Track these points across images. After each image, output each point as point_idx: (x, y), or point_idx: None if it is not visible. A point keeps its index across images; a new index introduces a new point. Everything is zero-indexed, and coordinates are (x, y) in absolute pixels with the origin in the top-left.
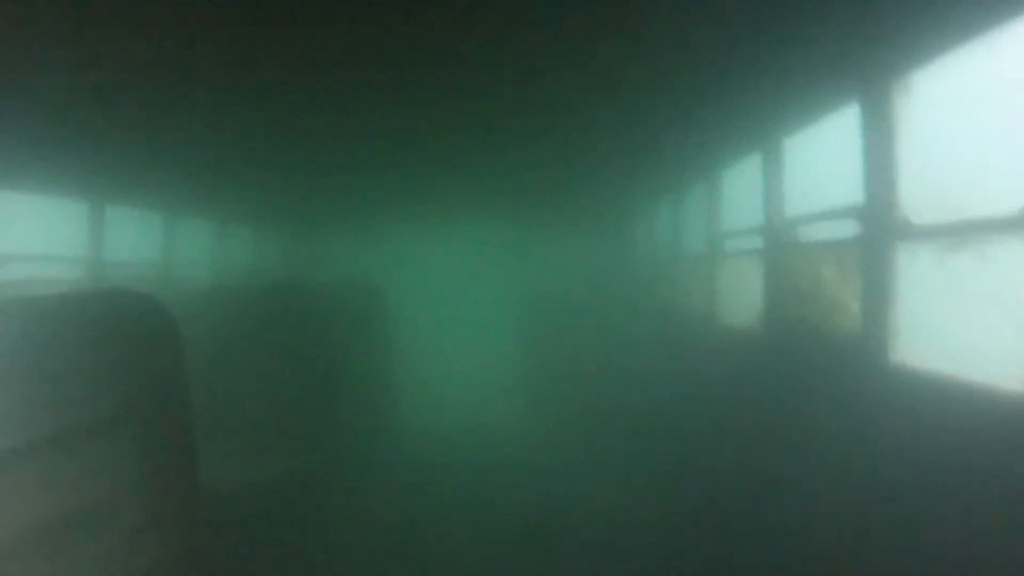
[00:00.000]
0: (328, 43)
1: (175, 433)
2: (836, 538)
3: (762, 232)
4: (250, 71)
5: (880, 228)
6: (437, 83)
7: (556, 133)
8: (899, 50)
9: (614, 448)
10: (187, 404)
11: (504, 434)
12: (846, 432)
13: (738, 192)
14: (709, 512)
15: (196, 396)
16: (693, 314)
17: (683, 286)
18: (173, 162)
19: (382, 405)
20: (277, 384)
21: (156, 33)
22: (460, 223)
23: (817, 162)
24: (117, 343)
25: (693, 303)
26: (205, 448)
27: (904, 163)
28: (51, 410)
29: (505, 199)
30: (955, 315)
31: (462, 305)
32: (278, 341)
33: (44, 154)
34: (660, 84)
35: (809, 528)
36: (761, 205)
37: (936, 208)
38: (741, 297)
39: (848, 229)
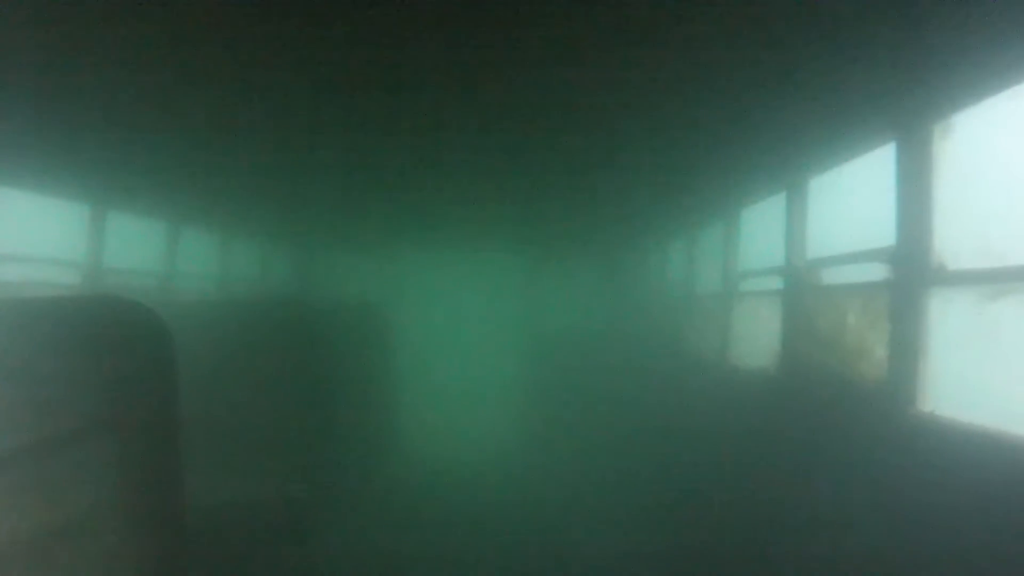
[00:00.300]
0: (346, 57)
1: (161, 446)
2: None
3: (787, 273)
4: (265, 82)
5: (914, 273)
6: (459, 107)
7: (576, 163)
8: (939, 89)
9: (622, 489)
10: (175, 416)
11: (508, 465)
12: (871, 488)
13: (764, 231)
14: (720, 563)
15: (190, 410)
16: (709, 356)
17: (702, 326)
18: (180, 171)
19: (384, 430)
20: (275, 402)
21: (168, 39)
22: (473, 250)
23: (849, 202)
24: (103, 349)
25: (710, 344)
26: (196, 465)
27: (942, 206)
28: (31, 416)
29: (520, 228)
30: (993, 366)
31: (470, 333)
32: (278, 358)
33: (49, 156)
34: (687, 116)
35: None
36: (787, 245)
37: (976, 253)
38: (760, 340)
39: (880, 272)
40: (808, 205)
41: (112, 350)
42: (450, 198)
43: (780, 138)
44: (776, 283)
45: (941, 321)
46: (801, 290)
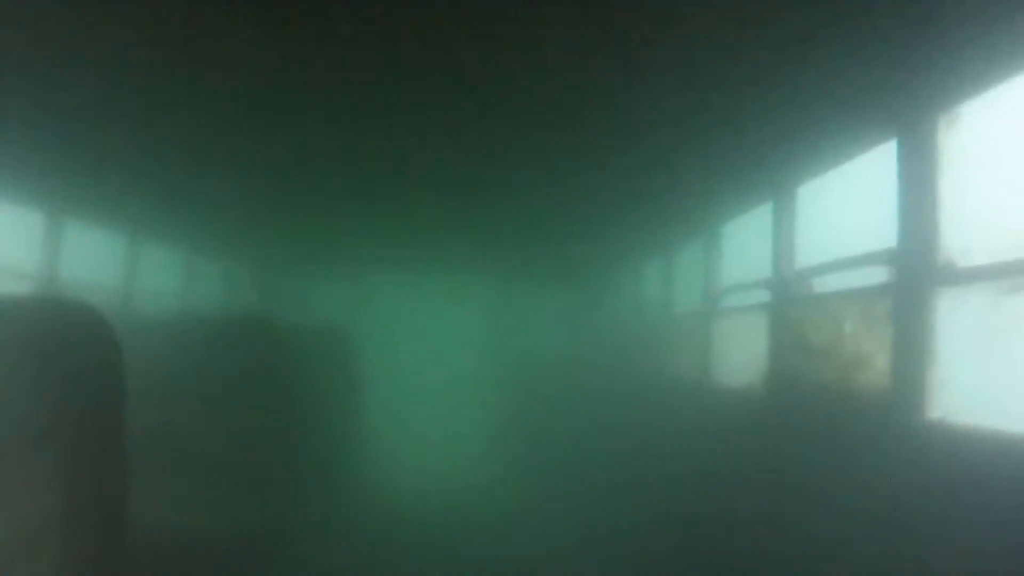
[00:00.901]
0: (318, 70)
1: (102, 462)
2: None
3: (783, 284)
4: (235, 96)
5: (922, 273)
6: (433, 123)
7: (552, 181)
8: (943, 81)
9: (607, 518)
10: (120, 431)
11: (477, 497)
12: (878, 501)
13: (759, 240)
14: None
15: (142, 429)
16: (695, 380)
17: (689, 348)
18: (146, 182)
19: (345, 459)
20: (232, 425)
21: (138, 47)
22: (445, 274)
23: (849, 204)
24: (42, 355)
25: (696, 368)
26: (146, 488)
27: (948, 201)
28: None
29: (494, 252)
30: (1013, 365)
31: (442, 360)
32: (238, 379)
33: (9, 159)
34: (673, 118)
35: None
36: (780, 254)
37: (989, 249)
38: (753, 360)
39: (884, 275)
40: (804, 210)
41: (51, 354)
42: (422, 219)
43: (772, 140)
44: (771, 295)
45: (953, 321)
46: (801, 300)
